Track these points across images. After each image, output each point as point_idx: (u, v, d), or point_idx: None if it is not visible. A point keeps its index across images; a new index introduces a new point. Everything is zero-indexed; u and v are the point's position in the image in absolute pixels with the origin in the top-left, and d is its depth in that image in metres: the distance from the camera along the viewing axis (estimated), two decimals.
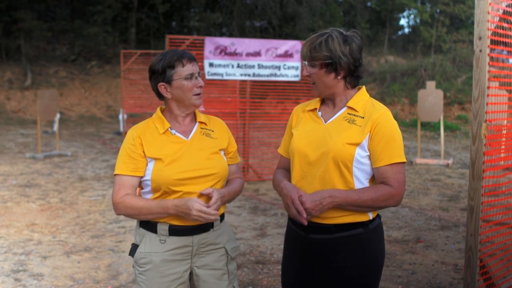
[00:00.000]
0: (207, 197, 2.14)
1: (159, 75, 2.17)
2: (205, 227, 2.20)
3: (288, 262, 2.28)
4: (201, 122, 2.29)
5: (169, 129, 2.22)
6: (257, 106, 9.00)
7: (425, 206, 6.91)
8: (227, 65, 8.23)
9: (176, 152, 2.17)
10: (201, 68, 8.26)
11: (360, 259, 2.09)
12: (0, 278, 4.23)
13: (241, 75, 8.36)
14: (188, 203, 2.07)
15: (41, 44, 23.86)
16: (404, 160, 2.07)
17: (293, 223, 2.23)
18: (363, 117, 2.08)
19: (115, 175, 2.20)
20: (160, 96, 2.24)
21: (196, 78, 2.18)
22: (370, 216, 2.11)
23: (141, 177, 2.18)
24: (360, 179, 2.08)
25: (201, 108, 9.08)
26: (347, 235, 2.08)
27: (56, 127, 11.71)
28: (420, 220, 6.18)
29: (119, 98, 20.05)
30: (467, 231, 3.04)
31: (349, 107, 2.12)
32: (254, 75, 8.40)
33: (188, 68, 2.16)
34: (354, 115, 2.09)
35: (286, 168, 2.31)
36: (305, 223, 2.00)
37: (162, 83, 2.18)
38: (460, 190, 7.97)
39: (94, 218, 6.17)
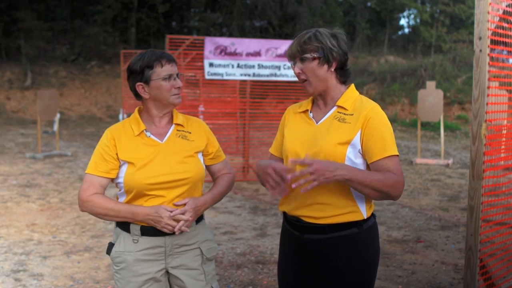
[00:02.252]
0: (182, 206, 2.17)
1: (137, 75, 2.17)
2: None
3: (284, 262, 2.28)
4: (177, 124, 2.27)
5: (144, 131, 2.21)
6: (257, 106, 9.01)
7: (425, 206, 6.91)
8: (227, 65, 8.23)
9: (148, 156, 2.17)
10: (201, 68, 8.27)
11: (354, 259, 2.09)
12: (0, 278, 4.23)
13: (241, 75, 8.36)
14: (159, 211, 2.10)
15: (41, 44, 23.84)
16: (397, 153, 2.06)
17: (288, 223, 2.22)
18: (353, 114, 2.08)
19: (86, 173, 2.21)
20: (138, 96, 2.23)
21: (174, 79, 2.18)
22: (364, 215, 2.10)
23: (112, 179, 2.20)
24: None
25: (201, 108, 9.10)
26: (341, 235, 2.08)
27: (56, 127, 11.71)
28: (420, 220, 6.18)
29: (119, 98, 20.05)
30: (467, 231, 3.04)
31: (339, 106, 2.12)
32: (254, 75, 8.40)
33: (167, 68, 2.16)
34: (344, 113, 2.10)
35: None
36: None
37: (140, 83, 2.18)
38: (460, 190, 7.98)
39: (94, 218, 6.17)
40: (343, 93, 2.14)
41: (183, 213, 2.13)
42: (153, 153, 2.18)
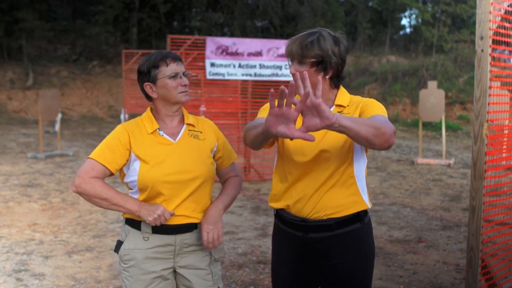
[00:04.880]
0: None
1: (145, 75, 2.22)
2: (189, 227, 2.22)
3: (283, 266, 2.25)
4: (189, 124, 2.30)
5: (158, 129, 2.24)
6: (259, 106, 8.99)
7: (426, 206, 6.90)
8: (229, 65, 8.23)
9: (161, 154, 2.19)
10: (203, 68, 8.27)
11: (357, 254, 2.13)
12: (2, 278, 4.24)
13: (243, 75, 8.36)
14: (157, 205, 2.14)
15: (43, 44, 23.88)
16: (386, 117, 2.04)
17: (286, 224, 2.19)
18: (349, 106, 2.12)
19: (89, 158, 2.17)
20: (148, 97, 2.28)
21: (180, 77, 2.22)
22: (368, 204, 2.13)
23: (111, 172, 2.18)
24: (359, 168, 2.10)
25: (203, 108, 9.10)
26: (346, 231, 2.11)
27: (57, 127, 11.72)
28: (421, 220, 6.17)
29: (121, 98, 20.06)
30: (469, 231, 3.04)
31: (337, 105, 2.14)
32: (255, 75, 8.40)
33: (172, 67, 2.20)
34: (343, 109, 2.12)
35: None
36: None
37: (148, 83, 2.22)
38: (461, 190, 7.97)
39: (96, 218, 6.18)
40: (336, 94, 2.16)
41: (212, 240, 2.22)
42: (166, 151, 2.20)
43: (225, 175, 2.42)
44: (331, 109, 2.13)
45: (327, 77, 2.09)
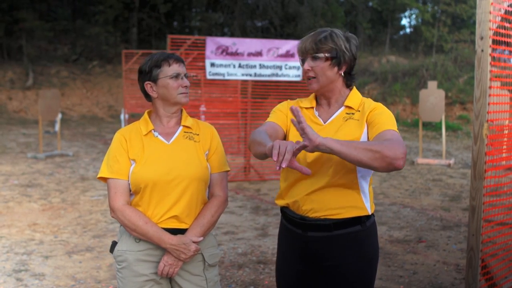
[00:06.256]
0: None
1: (146, 74, 2.24)
2: (180, 232, 2.20)
3: (285, 264, 2.26)
4: (185, 126, 2.29)
5: (152, 131, 2.24)
6: (259, 106, 9.01)
7: (426, 206, 6.91)
8: (229, 65, 8.24)
9: (153, 155, 2.20)
10: (203, 68, 8.28)
11: (358, 256, 2.11)
12: (2, 278, 4.24)
13: (243, 75, 8.36)
14: (186, 242, 2.14)
15: (43, 44, 23.88)
16: (397, 131, 2.01)
17: (289, 222, 2.21)
18: (359, 111, 2.12)
19: (103, 178, 2.20)
20: (147, 96, 2.28)
21: (182, 78, 2.23)
22: (369, 211, 2.12)
23: (127, 180, 2.19)
24: (363, 174, 2.09)
25: (203, 108, 9.10)
26: (345, 233, 2.09)
27: (57, 127, 11.72)
28: (421, 220, 6.18)
29: (121, 98, 20.06)
30: (469, 231, 3.04)
31: (347, 106, 2.14)
32: (255, 75, 8.40)
33: (174, 68, 2.21)
34: (352, 113, 2.13)
35: (272, 134, 2.13)
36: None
37: (148, 82, 2.24)
38: (461, 190, 7.97)
39: (96, 218, 6.18)
40: (347, 95, 2.17)
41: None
42: (158, 152, 2.20)
43: (212, 186, 2.31)
44: (340, 110, 2.15)
45: (342, 72, 2.11)
